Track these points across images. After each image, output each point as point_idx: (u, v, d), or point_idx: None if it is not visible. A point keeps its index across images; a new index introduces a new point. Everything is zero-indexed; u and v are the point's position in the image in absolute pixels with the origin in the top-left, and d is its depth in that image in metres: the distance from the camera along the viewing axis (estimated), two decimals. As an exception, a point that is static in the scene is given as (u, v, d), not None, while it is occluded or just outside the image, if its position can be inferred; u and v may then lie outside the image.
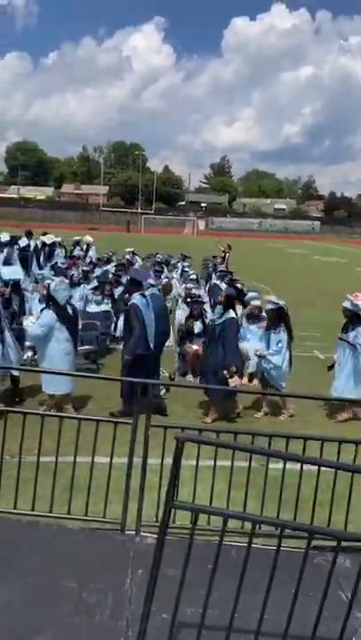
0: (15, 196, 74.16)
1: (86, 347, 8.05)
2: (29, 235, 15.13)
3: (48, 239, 15.47)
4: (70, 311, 6.57)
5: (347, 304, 6.99)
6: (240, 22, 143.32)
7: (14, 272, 7.48)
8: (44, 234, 16.33)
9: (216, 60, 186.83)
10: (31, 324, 6.42)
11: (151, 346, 6.48)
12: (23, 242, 13.95)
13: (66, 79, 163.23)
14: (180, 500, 2.03)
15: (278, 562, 1.93)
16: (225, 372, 6.32)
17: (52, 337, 6.27)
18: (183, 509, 2.13)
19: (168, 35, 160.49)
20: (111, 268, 13.50)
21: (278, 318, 6.94)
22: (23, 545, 3.16)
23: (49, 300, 6.48)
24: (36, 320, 6.45)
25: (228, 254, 20.76)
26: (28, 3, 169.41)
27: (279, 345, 6.81)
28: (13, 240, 13.05)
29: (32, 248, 13.98)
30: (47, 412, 4.05)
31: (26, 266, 12.06)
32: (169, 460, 3.60)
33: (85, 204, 75.87)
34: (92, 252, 16.68)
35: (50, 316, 6.31)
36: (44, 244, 15.03)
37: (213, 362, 6.55)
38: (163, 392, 6.79)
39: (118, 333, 9.39)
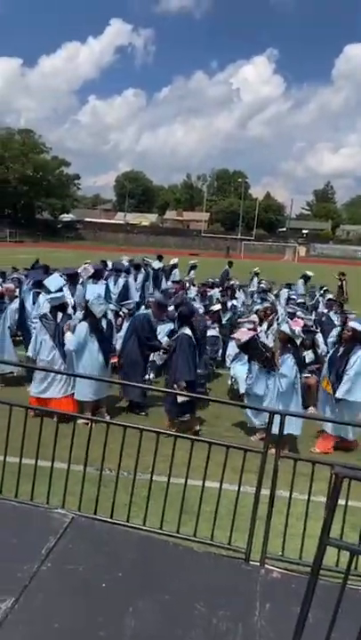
0: (122, 222, 78.18)
1: (199, 371, 8.18)
2: (160, 258, 17.30)
3: (172, 261, 18.13)
4: (105, 325, 7.22)
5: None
6: (352, 49, 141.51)
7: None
8: (160, 257, 17.32)
9: (325, 88, 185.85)
10: (69, 336, 6.98)
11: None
12: (156, 264, 16.17)
13: (175, 111, 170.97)
14: (332, 537, 1.97)
15: None
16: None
17: (85, 348, 6.89)
18: (340, 548, 2.07)
19: (279, 65, 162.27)
20: (216, 293, 13.70)
21: None
22: (158, 562, 3.25)
23: (86, 314, 7.07)
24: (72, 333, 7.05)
25: (344, 282, 20.13)
26: (146, 43, 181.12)
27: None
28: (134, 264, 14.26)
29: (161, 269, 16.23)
30: (172, 432, 4.16)
31: (158, 285, 14.63)
32: (296, 493, 3.59)
33: (186, 230, 77.92)
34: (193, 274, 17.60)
35: (83, 328, 6.89)
36: (173, 266, 17.65)
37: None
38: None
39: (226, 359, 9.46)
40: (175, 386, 6.66)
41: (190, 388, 6.68)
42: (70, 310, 8.20)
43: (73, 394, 6.94)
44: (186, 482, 3.63)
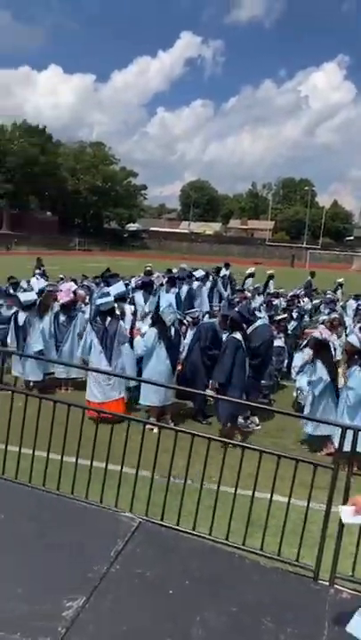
0: (186, 231, 78.98)
1: (263, 382, 8.11)
2: (227, 266, 17.47)
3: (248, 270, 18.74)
4: (173, 333, 7.34)
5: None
6: None
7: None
8: (227, 265, 17.40)
9: None
10: (138, 340, 7.22)
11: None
12: (223, 272, 16.59)
13: (242, 121, 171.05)
14: None
15: None
16: None
17: (152, 354, 7.07)
18: None
19: (350, 71, 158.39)
20: (281, 302, 13.49)
21: None
22: (225, 573, 3.24)
23: (156, 321, 7.21)
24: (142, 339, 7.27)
25: None
26: (215, 54, 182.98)
27: None
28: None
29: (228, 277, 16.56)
30: (238, 443, 4.14)
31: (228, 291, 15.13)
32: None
33: (250, 239, 77.43)
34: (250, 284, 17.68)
35: (152, 334, 7.08)
36: (249, 274, 18.30)
37: None
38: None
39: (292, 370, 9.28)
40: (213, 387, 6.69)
41: (230, 392, 6.56)
42: (128, 315, 8.35)
43: (123, 397, 7.19)
44: (253, 493, 3.59)
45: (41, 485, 4.08)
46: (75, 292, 9.32)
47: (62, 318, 8.54)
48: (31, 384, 8.08)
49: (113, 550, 3.34)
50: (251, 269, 18.85)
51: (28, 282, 12.26)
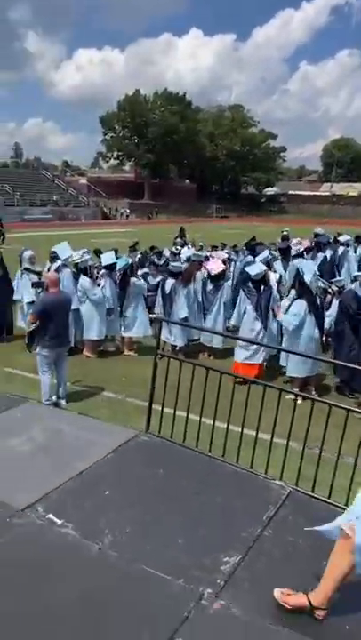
0: (328, 193, 74.75)
1: None
2: None
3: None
4: (319, 302, 7.33)
5: None
6: None
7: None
8: None
9: None
10: (285, 316, 7.06)
11: None
12: None
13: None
14: None
15: None
16: None
17: (303, 325, 6.91)
18: None
19: None
20: None
21: None
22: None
23: (302, 291, 7.05)
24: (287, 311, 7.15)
25: None
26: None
27: None
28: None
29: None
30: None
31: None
32: None
33: None
34: None
35: (301, 306, 6.92)
36: None
37: None
38: None
39: None
40: None
41: None
42: (273, 283, 8.27)
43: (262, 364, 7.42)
44: None
45: (194, 446, 4.32)
46: (224, 262, 9.44)
47: (210, 287, 8.75)
48: (177, 348, 8.49)
49: (265, 515, 3.45)
50: None
51: (178, 252, 12.61)
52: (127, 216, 51.32)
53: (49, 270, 8.29)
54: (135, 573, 2.87)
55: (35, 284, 8.29)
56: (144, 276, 9.93)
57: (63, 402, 6.40)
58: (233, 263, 10.92)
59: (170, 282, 8.74)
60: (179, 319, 8.30)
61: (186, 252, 12.08)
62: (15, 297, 9.00)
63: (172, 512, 3.46)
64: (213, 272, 8.63)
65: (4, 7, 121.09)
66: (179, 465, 4.09)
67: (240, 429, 4.11)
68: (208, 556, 3.04)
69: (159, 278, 9.82)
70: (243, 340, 7.29)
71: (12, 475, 3.78)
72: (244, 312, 7.53)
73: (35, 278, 8.52)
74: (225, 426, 4.17)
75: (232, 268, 10.60)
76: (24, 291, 8.65)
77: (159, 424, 4.53)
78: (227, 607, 2.67)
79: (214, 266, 8.77)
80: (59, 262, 8.52)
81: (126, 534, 3.17)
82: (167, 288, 8.72)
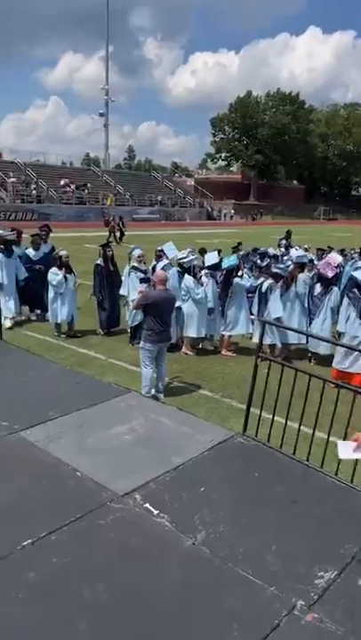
0: None
1: None
2: None
3: None
4: None
5: None
6: None
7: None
8: None
9: None
10: None
11: None
12: None
13: None
14: None
15: None
16: None
17: None
18: None
19: None
20: None
21: None
22: None
23: None
24: None
25: None
26: None
27: None
28: None
29: None
30: None
31: None
32: None
33: None
34: None
35: None
36: None
37: None
38: None
39: None
40: None
41: None
42: None
43: None
44: None
45: (291, 453, 4.23)
46: (337, 266, 9.09)
47: (317, 291, 8.49)
48: (276, 353, 8.35)
49: (366, 533, 3.29)
50: None
51: (282, 254, 12.40)
52: (231, 217, 51.36)
53: (154, 268, 8.55)
54: (227, 573, 2.89)
55: (142, 280, 8.59)
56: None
57: (161, 395, 6.57)
58: (341, 268, 10.50)
59: (267, 282, 8.61)
60: (272, 319, 8.15)
61: (294, 254, 11.82)
62: (121, 292, 9.40)
63: (266, 517, 3.42)
64: (329, 275, 8.33)
65: (125, 17, 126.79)
66: (275, 470, 4.04)
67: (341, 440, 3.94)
68: (302, 566, 2.97)
69: (260, 280, 9.71)
70: (343, 346, 6.98)
71: (114, 461, 3.97)
72: (348, 319, 7.22)
73: (141, 275, 8.84)
74: (325, 436, 4.04)
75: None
76: (131, 288, 9.00)
77: (256, 427, 4.50)
78: (320, 621, 2.59)
79: (328, 269, 8.44)
80: (165, 261, 8.76)
81: (220, 533, 3.20)
82: (264, 288, 8.61)
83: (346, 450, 2.79)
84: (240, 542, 3.13)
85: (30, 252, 9.71)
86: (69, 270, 8.72)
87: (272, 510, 3.51)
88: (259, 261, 11.64)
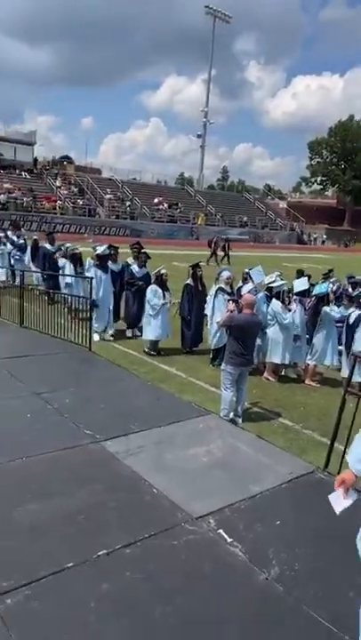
0: None
1: None
2: None
3: None
4: None
5: None
6: None
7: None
8: None
9: None
10: None
11: None
12: None
13: None
14: None
15: None
16: None
17: None
18: None
19: None
20: None
21: None
22: None
23: None
24: None
25: None
26: None
27: None
28: None
29: None
30: None
31: None
32: None
33: None
34: None
35: None
36: None
37: None
38: None
39: None
40: None
41: None
42: None
43: None
44: None
45: None
46: None
47: None
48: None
49: None
50: None
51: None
52: (323, 242, 50.14)
53: (240, 290, 8.52)
54: (301, 615, 2.77)
55: (230, 301, 8.60)
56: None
57: (240, 420, 6.49)
58: None
59: (356, 313, 8.26)
60: (357, 351, 7.78)
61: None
62: (206, 311, 9.45)
63: (344, 561, 3.24)
64: None
65: (231, 41, 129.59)
66: (357, 513, 3.83)
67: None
68: (343, 601, 2.77)
69: (351, 310, 9.35)
70: None
71: (190, 481, 3.98)
72: None
73: (227, 297, 8.85)
74: None
75: None
76: (216, 309, 9.04)
77: (340, 464, 4.30)
78: None
79: None
80: (250, 285, 8.71)
81: (295, 571, 3.09)
82: (351, 319, 8.26)
83: (338, 502, 2.47)
84: (315, 584, 3.00)
85: (135, 268, 9.98)
86: (166, 288, 8.90)
87: (352, 555, 3.31)
88: (350, 289, 11.23)
